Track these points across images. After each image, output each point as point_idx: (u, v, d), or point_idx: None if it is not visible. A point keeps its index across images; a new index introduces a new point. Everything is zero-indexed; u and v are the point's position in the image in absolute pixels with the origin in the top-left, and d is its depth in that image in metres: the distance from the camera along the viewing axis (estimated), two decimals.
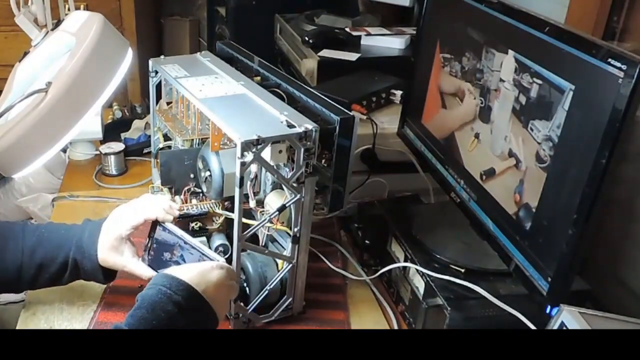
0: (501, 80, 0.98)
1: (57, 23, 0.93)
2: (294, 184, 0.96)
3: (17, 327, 1.03)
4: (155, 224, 1.00)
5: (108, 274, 1.01)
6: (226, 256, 1.08)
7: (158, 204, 1.00)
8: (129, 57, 0.93)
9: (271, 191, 1.06)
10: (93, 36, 0.85)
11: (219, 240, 1.11)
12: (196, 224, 1.11)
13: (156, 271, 0.96)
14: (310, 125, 0.94)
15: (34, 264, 0.98)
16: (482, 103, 1.04)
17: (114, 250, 0.98)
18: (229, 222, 1.11)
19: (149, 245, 1.00)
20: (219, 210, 1.11)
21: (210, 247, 1.10)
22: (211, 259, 0.93)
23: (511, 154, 0.96)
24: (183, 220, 1.10)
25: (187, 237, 0.98)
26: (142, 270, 0.99)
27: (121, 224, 0.99)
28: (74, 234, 1.00)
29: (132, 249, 1.00)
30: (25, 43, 0.96)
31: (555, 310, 0.84)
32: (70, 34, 0.88)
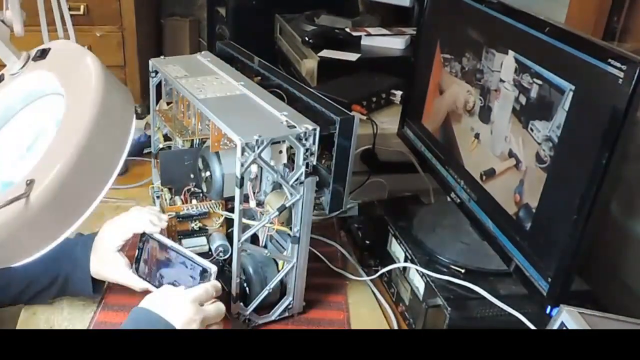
0: (501, 80, 0.98)
1: (43, 53, 0.74)
2: (294, 184, 0.96)
3: (17, 327, 1.03)
4: (144, 235, 1.02)
5: (97, 288, 1.05)
6: (226, 256, 1.08)
7: (144, 217, 1.02)
8: (133, 117, 0.71)
9: (271, 191, 1.06)
10: (91, 110, 0.61)
11: (219, 240, 1.11)
12: (196, 224, 1.11)
13: (146, 281, 1.00)
14: (310, 125, 0.94)
15: (21, 276, 0.99)
16: (482, 103, 1.04)
17: (106, 263, 1.02)
18: (229, 222, 1.11)
19: (138, 256, 1.03)
20: (219, 211, 1.12)
21: (210, 247, 1.11)
22: (199, 265, 0.95)
23: (511, 154, 0.96)
24: (184, 220, 1.10)
25: (176, 246, 0.99)
26: (134, 281, 1.01)
27: (111, 239, 1.02)
28: (67, 246, 1.02)
29: (123, 260, 1.02)
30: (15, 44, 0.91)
31: (555, 310, 0.84)
32: (59, 84, 0.67)
